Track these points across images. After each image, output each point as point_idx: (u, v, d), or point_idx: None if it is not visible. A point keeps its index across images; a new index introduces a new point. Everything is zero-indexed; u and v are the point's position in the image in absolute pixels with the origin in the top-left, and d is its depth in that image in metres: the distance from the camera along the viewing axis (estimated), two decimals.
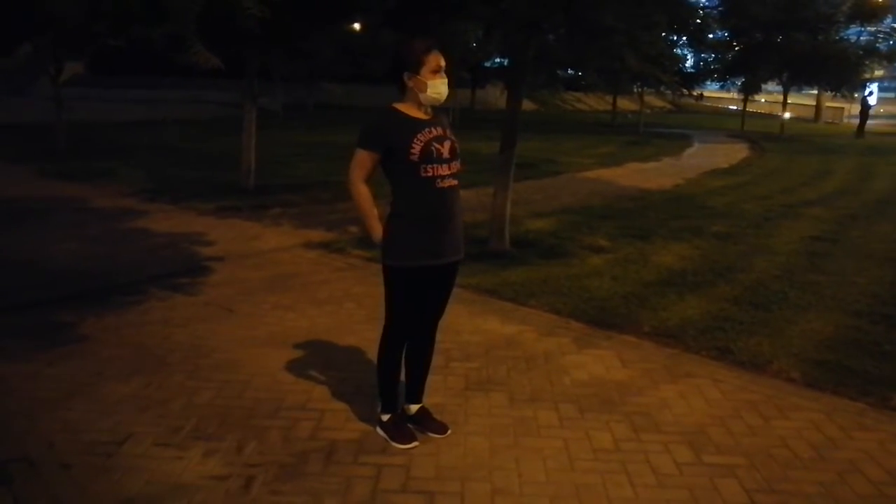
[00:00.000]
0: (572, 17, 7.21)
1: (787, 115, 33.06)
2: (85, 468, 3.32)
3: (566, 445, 3.71)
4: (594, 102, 46.75)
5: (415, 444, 3.65)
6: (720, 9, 26.92)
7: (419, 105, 3.43)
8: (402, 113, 3.43)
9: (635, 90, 31.78)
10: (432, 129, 3.41)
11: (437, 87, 3.38)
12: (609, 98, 38.67)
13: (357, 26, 11.21)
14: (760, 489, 3.38)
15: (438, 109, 3.57)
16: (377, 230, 3.49)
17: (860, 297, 6.59)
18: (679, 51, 25.29)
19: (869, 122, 33.68)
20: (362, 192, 3.44)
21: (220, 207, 9.53)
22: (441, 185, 3.42)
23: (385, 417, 3.76)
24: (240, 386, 4.24)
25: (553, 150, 19.04)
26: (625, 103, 37.98)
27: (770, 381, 4.67)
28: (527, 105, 7.94)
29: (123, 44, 12.30)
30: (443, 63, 3.39)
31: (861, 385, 4.59)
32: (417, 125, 3.39)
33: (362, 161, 3.41)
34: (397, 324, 3.66)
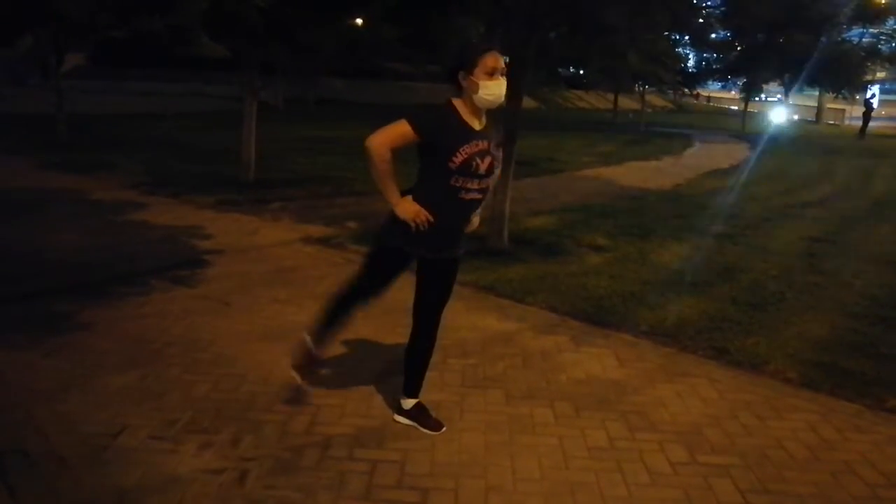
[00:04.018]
0: (574, 15, 7.22)
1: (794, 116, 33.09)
2: (80, 460, 3.31)
3: (561, 443, 3.71)
4: (595, 101, 46.75)
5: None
6: (722, 9, 26.93)
7: (474, 107, 3.37)
8: (459, 115, 3.37)
9: (637, 89, 31.77)
10: (480, 141, 3.36)
11: (490, 89, 3.29)
12: (610, 96, 38.66)
13: (359, 21, 11.20)
14: (754, 489, 3.38)
15: (494, 114, 3.52)
16: (397, 198, 3.37)
17: (858, 299, 6.60)
18: (681, 50, 25.33)
19: (870, 123, 33.72)
20: (386, 154, 3.30)
21: (220, 201, 9.51)
22: (465, 196, 3.41)
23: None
24: (236, 380, 4.24)
25: (553, 147, 19.02)
26: (626, 102, 37.97)
27: (767, 381, 4.67)
28: (528, 102, 7.96)
29: (126, 35, 12.31)
30: (498, 65, 3.30)
31: (858, 386, 4.60)
32: (469, 134, 3.35)
33: (400, 133, 3.29)
34: (363, 280, 3.69)
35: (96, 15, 11.96)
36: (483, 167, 3.38)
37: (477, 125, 3.40)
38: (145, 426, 3.65)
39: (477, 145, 3.35)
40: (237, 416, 3.82)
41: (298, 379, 3.84)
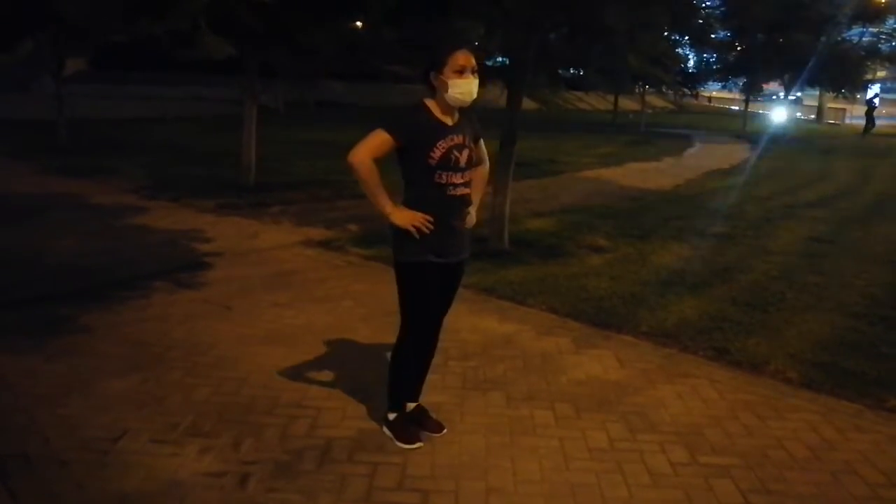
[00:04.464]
0: (573, 17, 7.22)
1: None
2: (82, 464, 3.32)
3: (562, 445, 3.72)
4: (596, 102, 46.68)
5: (419, 444, 3.65)
6: (722, 9, 26.90)
7: (447, 106, 3.40)
8: (431, 113, 3.41)
9: (637, 90, 31.75)
10: (455, 136, 3.40)
11: (460, 87, 3.32)
12: (611, 97, 38.62)
13: (359, 24, 11.21)
14: (755, 489, 3.39)
15: (467, 111, 3.54)
16: (390, 207, 3.39)
17: (858, 299, 6.60)
18: (681, 51, 25.31)
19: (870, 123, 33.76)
20: (371, 166, 3.32)
21: (220, 205, 9.53)
22: (453, 192, 3.44)
23: (392, 416, 3.75)
24: (237, 383, 4.25)
25: (553, 149, 19.02)
26: (626, 103, 37.92)
27: (767, 381, 4.68)
28: (528, 104, 7.95)
29: (126, 39, 12.30)
30: (468, 63, 3.32)
31: (858, 386, 4.60)
32: (442, 130, 3.38)
33: (379, 143, 3.33)
34: (415, 323, 3.61)
35: (96, 18, 11.96)
36: (463, 160, 3.43)
37: (450, 122, 3.44)
38: (146, 430, 3.66)
39: (452, 139, 3.39)
40: (238, 419, 3.82)
41: (416, 443, 3.66)
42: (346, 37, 10.63)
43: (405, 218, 3.39)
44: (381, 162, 3.36)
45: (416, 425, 3.78)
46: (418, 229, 3.38)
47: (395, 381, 3.76)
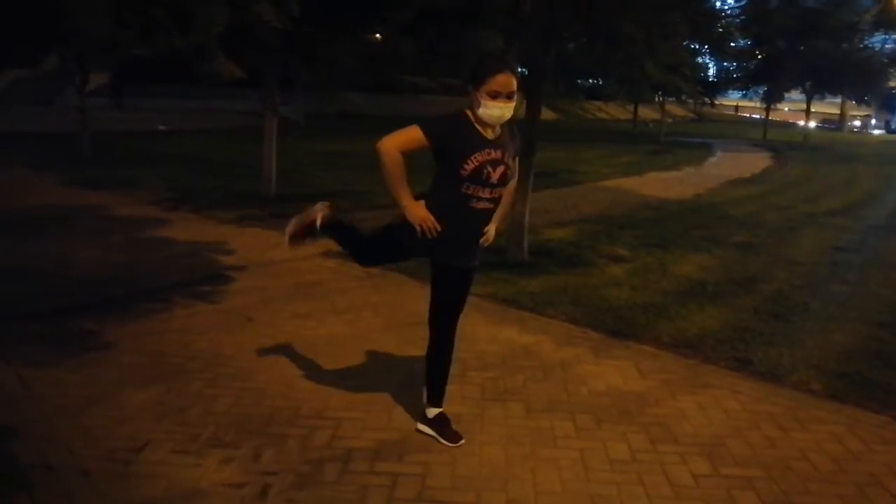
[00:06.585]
0: (591, 26, 7.23)
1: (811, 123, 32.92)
2: (104, 475, 3.34)
3: (582, 456, 3.69)
4: (615, 111, 46.65)
5: (462, 441, 3.69)
6: (742, 17, 26.76)
7: (481, 119, 3.40)
8: (472, 124, 3.40)
9: (656, 99, 31.69)
10: (493, 150, 3.39)
11: (491, 110, 3.32)
12: (630, 107, 38.57)
13: (377, 35, 11.29)
14: (778, 501, 3.35)
15: (510, 125, 3.54)
16: (408, 200, 3.40)
17: (883, 308, 6.53)
18: (701, 59, 25.24)
19: (878, 131, 33.45)
20: (397, 157, 3.33)
21: (241, 216, 9.58)
22: (476, 205, 3.43)
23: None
24: (258, 394, 4.26)
25: (573, 159, 19.00)
26: (646, 112, 37.83)
27: (790, 392, 4.63)
28: (548, 114, 7.98)
29: (147, 54, 12.44)
30: (504, 89, 3.30)
31: (883, 397, 4.55)
32: (481, 142, 3.37)
33: (412, 138, 3.34)
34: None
35: (117, 33, 12.10)
36: (495, 176, 3.40)
37: (490, 134, 3.42)
38: (168, 440, 3.67)
39: (489, 154, 3.37)
40: (259, 430, 3.83)
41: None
42: (365, 49, 10.70)
43: (417, 216, 3.40)
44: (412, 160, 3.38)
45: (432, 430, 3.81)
46: (423, 231, 3.39)
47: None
